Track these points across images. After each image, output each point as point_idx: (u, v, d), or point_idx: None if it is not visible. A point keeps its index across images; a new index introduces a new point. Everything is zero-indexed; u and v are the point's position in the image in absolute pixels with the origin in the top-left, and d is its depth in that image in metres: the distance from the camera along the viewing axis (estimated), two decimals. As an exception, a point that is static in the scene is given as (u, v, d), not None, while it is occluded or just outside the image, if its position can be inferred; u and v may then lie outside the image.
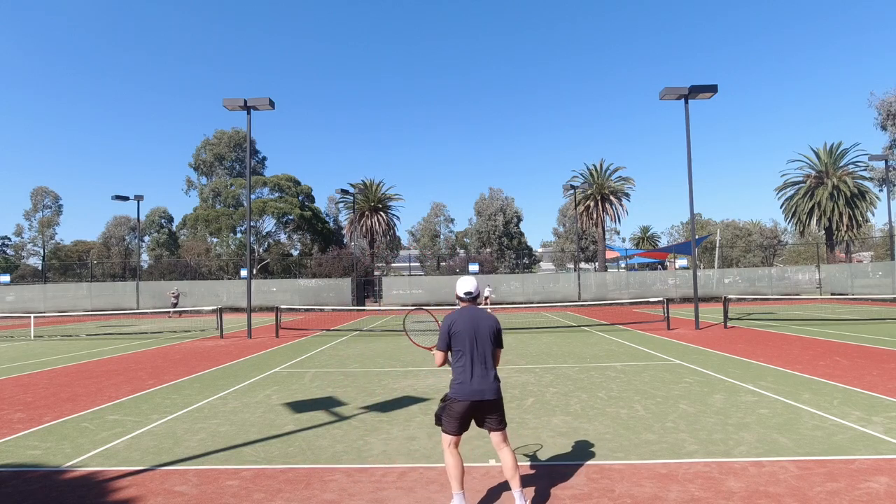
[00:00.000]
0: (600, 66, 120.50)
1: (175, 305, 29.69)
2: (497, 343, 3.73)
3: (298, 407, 6.95)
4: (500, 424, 3.69)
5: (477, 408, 3.62)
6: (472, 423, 3.72)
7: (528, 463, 4.64)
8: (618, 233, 68.12)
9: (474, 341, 3.64)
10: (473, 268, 35.88)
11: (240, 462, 4.81)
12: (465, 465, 4.62)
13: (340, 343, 14.84)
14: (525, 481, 4.20)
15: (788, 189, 41.49)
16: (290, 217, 52.61)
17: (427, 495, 3.98)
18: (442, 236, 63.49)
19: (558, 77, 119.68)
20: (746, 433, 5.33)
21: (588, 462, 4.60)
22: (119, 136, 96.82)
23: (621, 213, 43.04)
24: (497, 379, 3.68)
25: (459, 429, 3.65)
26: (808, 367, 9.14)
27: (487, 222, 53.75)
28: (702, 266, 48.33)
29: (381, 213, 46.62)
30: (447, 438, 3.67)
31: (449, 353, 3.76)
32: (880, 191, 38.70)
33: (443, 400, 3.75)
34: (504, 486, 4.10)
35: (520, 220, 55.73)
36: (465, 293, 3.80)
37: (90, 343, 16.10)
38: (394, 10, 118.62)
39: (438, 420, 3.74)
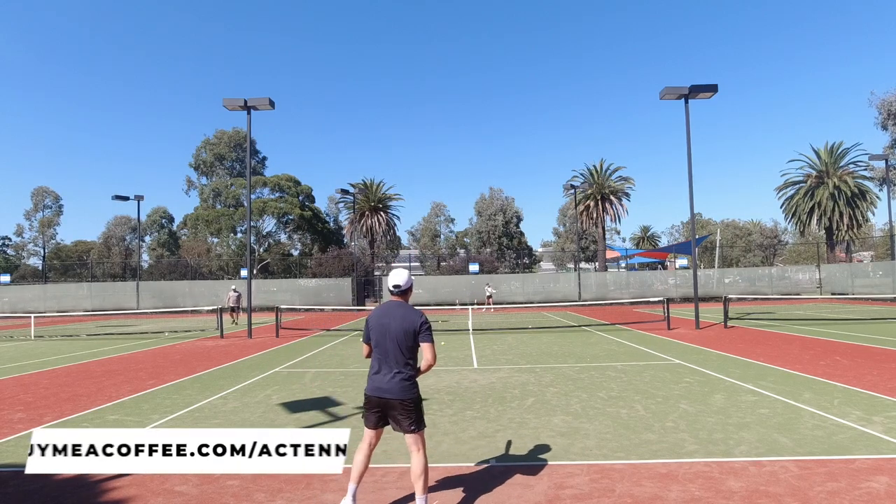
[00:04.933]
0: (600, 66, 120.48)
1: (235, 308, 24.30)
2: (416, 340, 3.64)
3: (298, 407, 6.95)
4: (409, 428, 3.59)
5: (382, 405, 3.63)
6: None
7: (529, 463, 4.63)
8: (618, 233, 68.14)
9: (383, 337, 3.64)
10: (473, 267, 35.90)
11: (240, 462, 4.80)
12: (465, 464, 4.64)
13: (341, 343, 14.83)
14: (525, 481, 4.20)
15: (789, 189, 41.43)
16: (291, 217, 52.61)
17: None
18: (442, 236, 63.49)
19: (558, 77, 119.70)
20: (747, 433, 5.33)
21: (588, 462, 4.60)
22: (119, 136, 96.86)
23: (621, 212, 42.99)
24: (406, 379, 3.60)
25: (373, 423, 3.69)
26: (809, 366, 9.14)
27: (487, 222, 53.74)
28: (702, 266, 48.28)
29: (381, 213, 46.55)
30: (365, 433, 3.71)
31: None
32: (881, 190, 38.67)
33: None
34: (507, 487, 4.10)
35: (520, 220, 55.71)
36: (394, 286, 3.82)
37: (90, 343, 16.11)
38: (394, 11, 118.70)
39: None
